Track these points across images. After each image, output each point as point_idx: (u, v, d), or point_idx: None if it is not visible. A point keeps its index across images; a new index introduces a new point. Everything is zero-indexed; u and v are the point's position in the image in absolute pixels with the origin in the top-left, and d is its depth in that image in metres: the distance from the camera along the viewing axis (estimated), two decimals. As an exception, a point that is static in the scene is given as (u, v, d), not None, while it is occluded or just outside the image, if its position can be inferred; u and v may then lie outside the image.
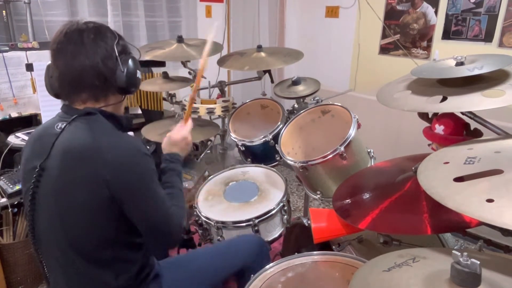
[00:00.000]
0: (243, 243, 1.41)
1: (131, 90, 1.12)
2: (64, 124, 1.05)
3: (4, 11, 2.33)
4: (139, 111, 2.70)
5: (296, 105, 2.03)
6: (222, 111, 2.14)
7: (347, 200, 1.25)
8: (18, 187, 1.85)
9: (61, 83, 1.07)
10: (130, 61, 1.10)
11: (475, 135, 1.21)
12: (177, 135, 1.35)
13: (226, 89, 2.50)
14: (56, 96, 1.13)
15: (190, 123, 1.41)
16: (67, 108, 1.10)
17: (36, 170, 1.04)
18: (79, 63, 1.03)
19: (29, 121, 2.23)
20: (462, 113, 1.15)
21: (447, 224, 0.97)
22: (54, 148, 1.03)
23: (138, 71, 1.12)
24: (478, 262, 0.67)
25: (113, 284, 1.08)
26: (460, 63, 1.12)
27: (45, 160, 1.04)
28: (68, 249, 1.04)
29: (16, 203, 1.87)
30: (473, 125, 1.21)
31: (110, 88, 1.09)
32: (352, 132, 1.46)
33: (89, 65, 1.03)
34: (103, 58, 1.05)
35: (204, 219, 1.55)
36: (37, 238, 1.09)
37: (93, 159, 0.99)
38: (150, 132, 2.05)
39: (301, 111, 1.75)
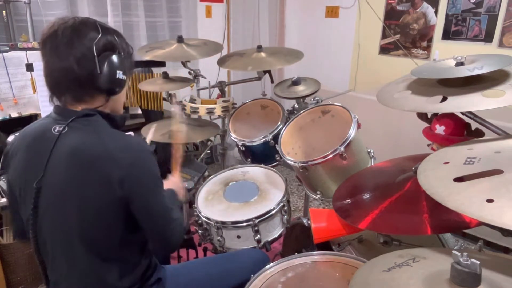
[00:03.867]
0: (248, 257, 1.39)
1: (114, 90, 1.07)
2: (62, 127, 1.02)
3: (4, 11, 2.33)
4: (139, 111, 2.70)
5: (296, 105, 2.03)
6: (222, 111, 2.14)
7: (347, 200, 1.25)
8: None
9: (46, 84, 1.05)
10: (109, 60, 1.02)
11: (477, 135, 1.21)
12: (173, 178, 1.46)
13: (226, 89, 2.50)
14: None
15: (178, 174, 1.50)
16: (61, 110, 1.06)
17: (38, 179, 1.01)
18: (55, 65, 1.00)
19: (29, 121, 2.23)
20: (462, 113, 1.15)
21: (447, 224, 0.97)
22: (56, 152, 1.01)
23: (118, 70, 1.04)
24: (478, 262, 0.67)
25: (117, 285, 1.09)
26: (460, 63, 1.12)
27: (46, 166, 1.01)
28: (76, 249, 1.04)
29: (16, 203, 1.87)
30: (473, 125, 1.21)
31: (92, 91, 1.04)
32: (352, 132, 1.46)
33: (63, 67, 0.99)
34: (78, 59, 0.98)
35: (204, 219, 1.55)
36: (41, 241, 1.08)
37: (104, 162, 0.98)
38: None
39: (301, 111, 1.75)
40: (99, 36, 1.01)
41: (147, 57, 2.09)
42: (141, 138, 1.09)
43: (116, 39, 1.07)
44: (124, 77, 1.08)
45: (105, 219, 1.03)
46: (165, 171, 1.57)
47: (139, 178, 1.02)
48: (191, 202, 1.86)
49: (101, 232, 1.04)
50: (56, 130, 1.03)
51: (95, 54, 1.00)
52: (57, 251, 1.08)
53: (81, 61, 0.99)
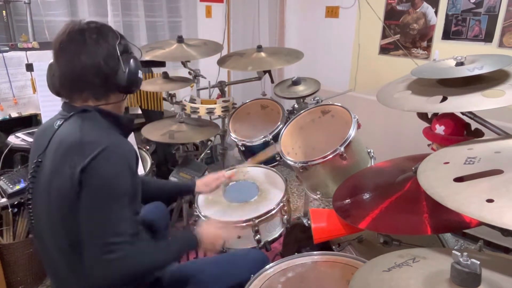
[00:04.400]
0: (247, 258, 1.38)
1: (132, 89, 1.13)
2: (62, 121, 1.08)
3: (4, 11, 2.33)
4: (139, 111, 2.70)
5: (296, 105, 2.03)
6: (222, 111, 2.14)
7: (347, 200, 1.25)
8: (18, 187, 1.85)
9: (62, 82, 1.08)
10: (132, 61, 1.10)
11: (476, 135, 1.21)
12: (209, 230, 1.24)
13: (226, 89, 2.50)
14: (57, 94, 1.15)
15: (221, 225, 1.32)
16: (66, 106, 1.11)
17: (33, 166, 1.08)
18: (81, 62, 1.04)
19: (29, 121, 2.23)
20: (462, 113, 1.15)
21: (447, 224, 0.97)
22: (50, 144, 1.06)
23: (139, 70, 1.12)
24: (478, 262, 0.67)
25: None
26: (460, 63, 1.12)
27: (40, 156, 1.07)
28: (64, 240, 1.04)
29: (16, 203, 1.87)
30: (473, 125, 1.21)
31: (111, 87, 1.10)
32: (352, 132, 1.45)
33: (90, 64, 1.04)
34: (105, 57, 1.05)
35: (204, 219, 1.55)
36: (38, 232, 1.11)
37: (74, 152, 1.00)
38: (150, 132, 2.05)
39: (301, 111, 1.75)
40: (119, 39, 1.09)
41: (147, 57, 2.09)
42: (132, 150, 1.06)
43: (129, 44, 1.15)
44: (142, 77, 1.14)
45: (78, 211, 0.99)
46: (165, 171, 1.58)
47: (93, 177, 0.97)
48: (191, 202, 1.86)
49: (78, 225, 0.99)
50: (57, 125, 1.08)
51: (119, 53, 1.07)
52: (50, 243, 1.08)
53: (107, 59, 1.05)
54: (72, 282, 1.09)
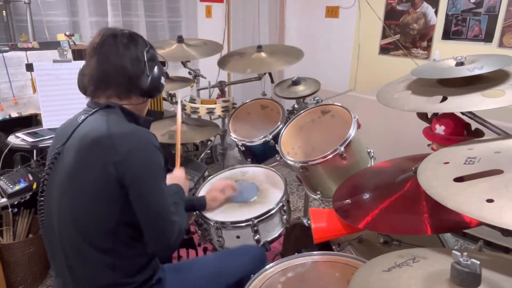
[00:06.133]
0: (246, 254, 1.40)
1: (154, 94, 1.20)
2: (85, 116, 1.13)
3: (4, 11, 2.33)
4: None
5: (296, 105, 2.03)
6: (222, 111, 2.15)
7: (347, 200, 1.25)
8: (18, 187, 1.85)
9: (90, 80, 1.15)
10: (156, 68, 1.18)
11: (477, 135, 1.21)
12: (176, 173, 1.50)
13: (226, 89, 2.50)
14: (84, 92, 1.20)
15: (182, 168, 1.53)
16: (91, 103, 1.18)
17: (50, 158, 1.13)
18: (110, 62, 1.12)
19: (29, 121, 2.23)
20: (462, 113, 1.15)
21: (447, 224, 0.97)
22: (72, 137, 1.11)
23: (162, 77, 1.21)
24: (478, 262, 0.67)
25: (110, 278, 1.11)
26: (460, 63, 1.12)
27: (61, 148, 1.12)
28: (76, 234, 1.09)
29: (16, 203, 1.87)
30: (473, 125, 1.21)
31: (134, 89, 1.16)
32: (352, 132, 1.45)
33: (118, 64, 1.12)
34: (132, 60, 1.13)
35: (204, 219, 1.55)
36: (47, 224, 1.15)
37: (104, 145, 1.06)
38: (150, 132, 2.05)
39: (301, 111, 1.75)
40: (148, 47, 1.18)
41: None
42: (153, 134, 1.15)
43: (157, 54, 1.23)
44: (164, 84, 1.21)
45: (100, 204, 1.07)
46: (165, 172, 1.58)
47: (134, 166, 1.05)
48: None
49: (96, 219, 1.08)
50: (80, 119, 1.14)
51: (145, 59, 1.15)
52: (59, 236, 1.12)
53: (134, 63, 1.13)
54: (80, 272, 1.12)
